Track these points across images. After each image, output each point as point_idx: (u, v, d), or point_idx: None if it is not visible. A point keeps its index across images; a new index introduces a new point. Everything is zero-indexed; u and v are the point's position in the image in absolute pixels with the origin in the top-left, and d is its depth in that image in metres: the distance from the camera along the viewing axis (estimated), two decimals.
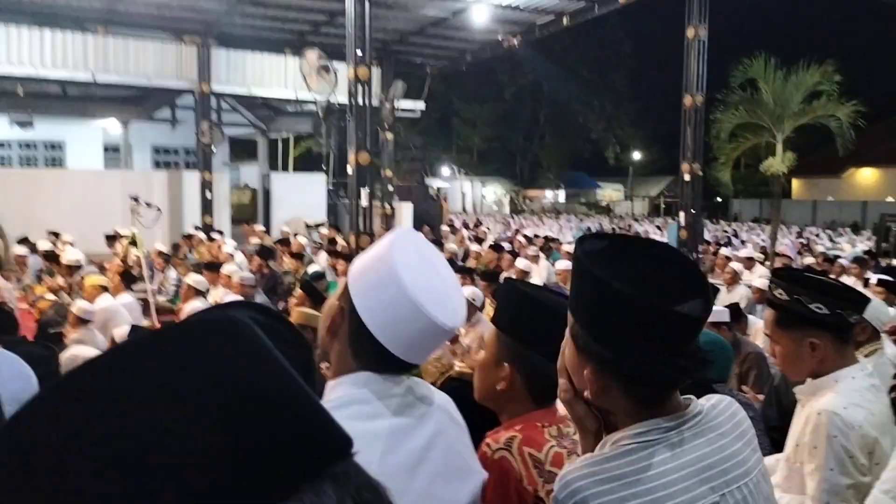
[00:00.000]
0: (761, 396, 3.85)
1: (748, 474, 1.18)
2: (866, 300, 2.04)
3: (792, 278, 2.02)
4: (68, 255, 8.68)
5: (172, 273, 10.50)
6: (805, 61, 12.32)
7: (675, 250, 1.24)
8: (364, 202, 10.05)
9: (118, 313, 6.73)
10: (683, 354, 1.11)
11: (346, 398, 1.26)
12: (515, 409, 1.61)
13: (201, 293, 6.63)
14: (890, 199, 38.95)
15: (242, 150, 25.77)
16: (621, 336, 1.11)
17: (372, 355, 1.27)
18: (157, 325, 8.88)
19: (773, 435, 2.89)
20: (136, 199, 9.88)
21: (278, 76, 17.00)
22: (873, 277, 7.95)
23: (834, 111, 12.42)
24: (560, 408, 1.59)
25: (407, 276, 1.24)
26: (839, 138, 12.87)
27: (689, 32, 11.35)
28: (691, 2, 11.29)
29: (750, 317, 6.22)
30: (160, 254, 10.85)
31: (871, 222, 31.27)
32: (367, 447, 1.22)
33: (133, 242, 9.90)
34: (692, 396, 1.21)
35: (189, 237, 13.35)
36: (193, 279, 6.72)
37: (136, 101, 17.08)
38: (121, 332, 5.46)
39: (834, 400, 1.91)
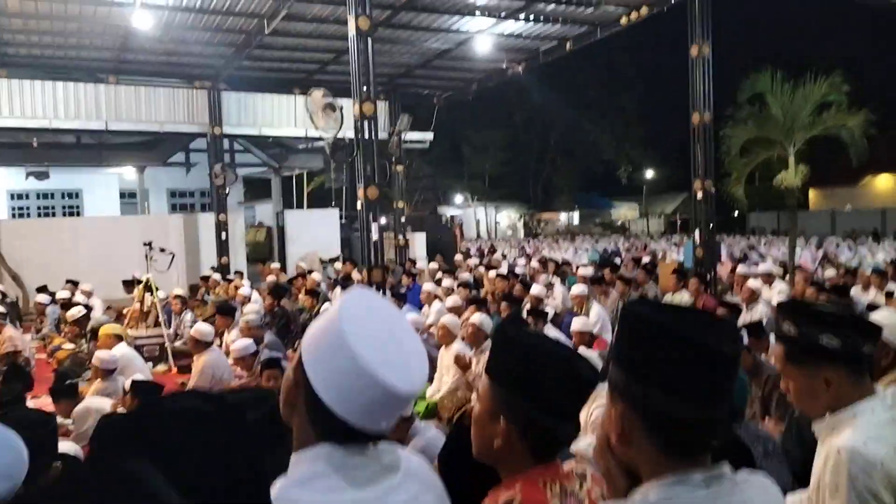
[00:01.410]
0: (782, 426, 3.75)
1: None
2: (878, 329, 1.96)
3: (799, 311, 1.95)
4: (72, 311, 8.70)
5: (189, 316, 10.54)
6: (812, 73, 12.23)
7: (713, 313, 1.31)
8: (375, 235, 10.05)
9: (133, 361, 6.74)
10: (719, 401, 1.12)
11: (308, 473, 1.21)
12: (514, 465, 1.49)
13: (209, 344, 6.60)
14: None
15: (257, 189, 26.02)
16: (654, 369, 1.12)
17: (329, 426, 1.22)
18: (174, 370, 8.90)
19: (795, 469, 2.80)
20: (149, 245, 9.97)
21: (288, 115, 17.22)
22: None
23: (844, 121, 12.28)
24: (564, 464, 1.55)
25: (356, 343, 1.19)
26: (852, 147, 12.72)
27: (693, 50, 11.32)
28: (693, 20, 11.29)
29: (769, 337, 6.09)
30: (177, 297, 10.90)
31: (891, 229, 30.86)
32: None
33: (148, 288, 9.98)
34: (725, 463, 1.17)
35: (206, 279, 13.42)
36: (198, 330, 6.69)
37: (150, 147, 17.34)
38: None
39: (853, 436, 1.83)
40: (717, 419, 1.12)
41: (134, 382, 5.27)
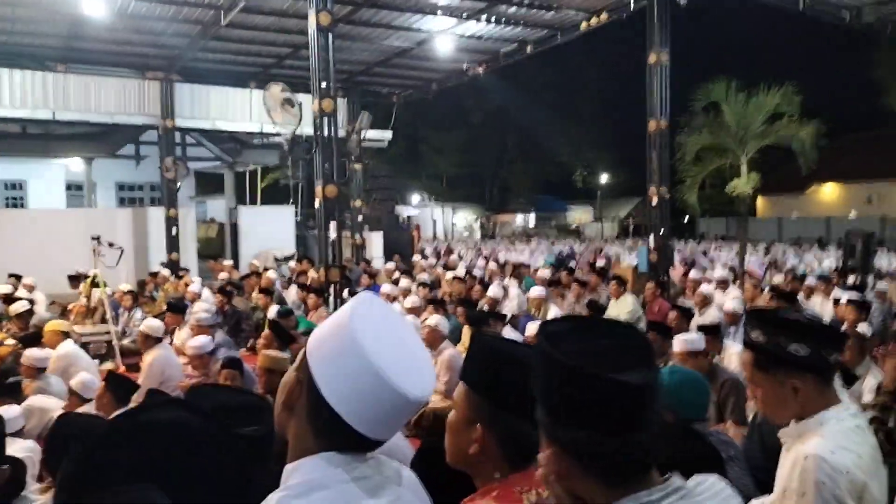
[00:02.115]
0: (742, 429, 3.79)
1: None
2: (844, 338, 1.98)
3: (769, 319, 1.96)
4: (15, 306, 8.39)
5: (139, 313, 10.26)
6: (765, 83, 12.56)
7: (631, 328, 1.24)
8: (333, 234, 9.93)
9: (79, 359, 6.51)
10: (639, 430, 1.10)
11: (307, 484, 1.15)
12: (490, 472, 1.48)
13: (159, 339, 6.41)
14: (853, 214, 39.77)
15: (209, 184, 25.54)
16: (572, 411, 1.11)
17: (333, 432, 1.18)
18: (122, 368, 8.64)
19: (757, 475, 2.82)
20: (97, 239, 9.66)
21: (243, 109, 16.93)
22: (843, 296, 8.02)
23: (795, 131, 12.65)
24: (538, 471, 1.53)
25: (369, 344, 1.16)
26: (801, 157, 13.10)
27: (651, 58, 11.49)
28: (652, 28, 11.46)
29: (724, 341, 6.19)
30: (127, 293, 10.61)
31: (835, 237, 31.83)
32: None
33: (95, 283, 9.68)
34: (673, 473, 1.17)
35: (154, 275, 13.11)
36: (148, 326, 6.50)
37: (99, 138, 16.84)
38: (80, 381, 5.26)
39: (821, 444, 1.85)
40: (647, 442, 1.12)
41: (109, 375, 5.11)
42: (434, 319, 6.44)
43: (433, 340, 6.25)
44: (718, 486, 1.21)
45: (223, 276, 12.97)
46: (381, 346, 1.17)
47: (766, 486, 2.24)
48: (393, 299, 9.62)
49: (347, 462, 1.19)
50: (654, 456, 1.15)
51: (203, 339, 6.10)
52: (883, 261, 18.00)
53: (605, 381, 1.08)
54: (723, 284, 9.91)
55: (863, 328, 6.18)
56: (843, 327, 7.42)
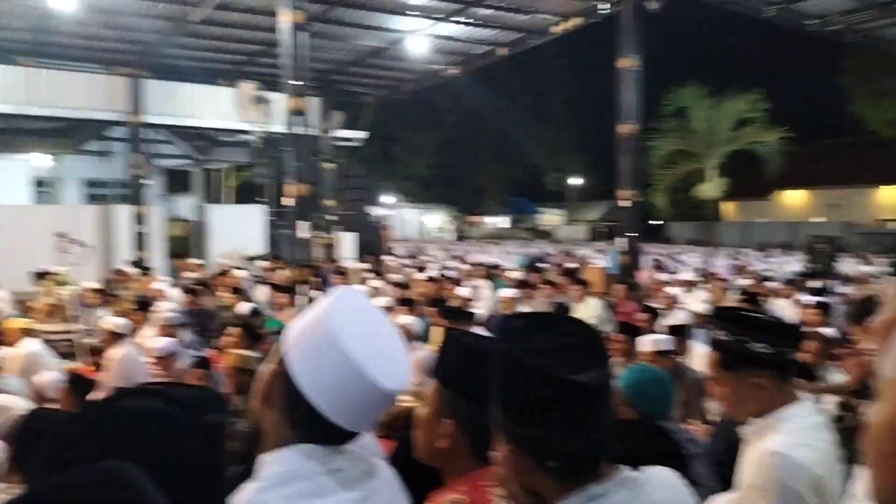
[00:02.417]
0: (707, 427, 3.85)
1: None
2: (802, 336, 2.04)
3: (733, 318, 2.00)
4: None
5: (105, 312, 10.10)
6: (733, 90, 12.76)
7: (586, 327, 1.27)
8: (303, 233, 9.88)
9: (41, 358, 6.39)
10: (593, 428, 1.14)
11: (285, 475, 1.16)
12: (459, 467, 1.51)
13: (123, 336, 6.32)
14: (816, 219, 40.57)
15: (178, 182, 25.22)
16: (528, 409, 1.14)
17: (310, 425, 1.18)
18: (87, 367, 8.50)
19: (722, 472, 2.87)
20: (63, 236, 9.52)
21: (213, 106, 16.74)
22: (808, 300, 8.17)
23: (762, 137, 12.87)
24: None
25: (347, 338, 1.17)
26: (767, 163, 13.34)
27: (622, 63, 11.61)
28: (623, 34, 11.58)
29: (689, 342, 6.26)
30: (93, 291, 10.44)
31: (800, 242, 32.46)
32: None
33: (61, 281, 9.52)
34: (622, 467, 1.22)
35: (120, 273, 12.90)
36: (112, 322, 6.40)
37: (65, 134, 16.56)
38: (43, 380, 5.16)
39: (782, 440, 1.89)
40: (600, 441, 1.16)
41: (71, 376, 5.02)
42: (405, 319, 6.43)
43: (405, 341, 6.25)
44: (670, 478, 1.25)
45: (191, 274, 12.81)
46: (359, 338, 1.19)
47: (730, 483, 2.28)
48: None
49: (324, 454, 1.19)
50: (608, 452, 1.19)
51: (165, 341, 6.02)
52: (846, 265, 18.40)
53: (563, 381, 1.11)
54: (689, 286, 10.04)
55: (825, 331, 6.31)
56: (808, 329, 7.59)
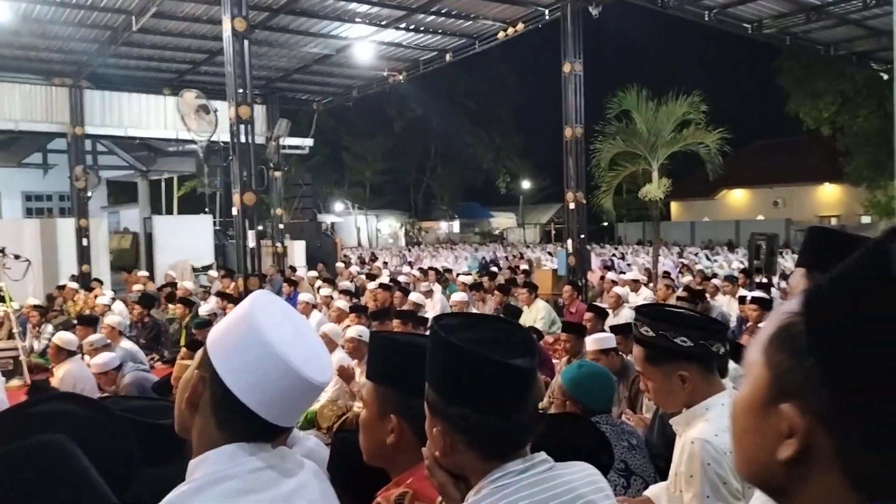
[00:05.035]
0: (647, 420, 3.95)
1: None
2: (725, 328, 2.13)
3: (655, 314, 2.09)
4: None
5: (49, 328, 9.86)
6: (674, 92, 13.06)
7: (513, 323, 1.42)
8: (251, 242, 9.79)
9: None
10: (521, 409, 1.25)
11: (214, 475, 1.17)
12: (407, 460, 1.57)
13: (73, 353, 6.19)
14: (760, 217, 41.72)
15: (122, 193, 24.70)
16: (464, 390, 1.24)
17: (239, 423, 1.20)
18: (30, 384, 8.28)
19: (658, 463, 2.96)
20: (2, 251, 9.24)
21: (157, 116, 16.46)
22: (748, 295, 8.42)
23: (702, 138, 13.17)
24: None
25: (272, 333, 1.20)
26: (709, 163, 13.66)
27: (566, 68, 11.81)
28: (566, 39, 11.78)
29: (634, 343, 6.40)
30: (34, 308, 10.17)
31: (744, 240, 33.33)
32: None
33: (1, 298, 9.25)
34: (542, 453, 1.31)
35: (62, 288, 12.59)
36: (61, 338, 6.27)
37: (4, 147, 16.08)
38: None
39: (705, 428, 1.97)
40: (524, 425, 1.27)
41: (33, 385, 4.90)
42: (355, 330, 6.37)
43: (356, 350, 6.19)
44: (588, 470, 1.34)
45: (138, 287, 12.57)
46: (283, 335, 1.21)
47: (666, 474, 2.37)
48: (313, 307, 9.54)
49: (253, 452, 1.21)
50: (531, 434, 1.29)
51: (106, 357, 5.90)
52: (787, 261, 18.98)
53: (498, 364, 1.22)
54: (635, 286, 10.25)
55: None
56: (748, 324, 7.82)
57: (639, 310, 2.19)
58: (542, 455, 1.30)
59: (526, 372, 1.25)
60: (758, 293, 8.76)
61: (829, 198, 41.04)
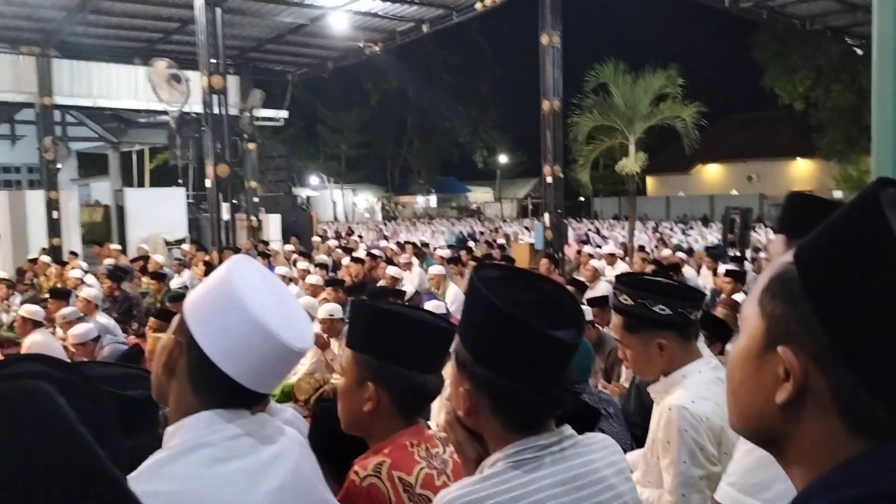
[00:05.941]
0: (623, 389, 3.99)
1: (620, 497, 1.25)
2: (703, 296, 2.14)
3: (634, 283, 2.09)
4: None
5: (18, 301, 9.71)
6: (651, 66, 13.06)
7: (557, 285, 1.32)
8: (226, 216, 9.68)
9: None
10: (555, 383, 1.20)
11: (191, 442, 1.15)
12: (384, 429, 1.57)
13: (39, 324, 6.10)
14: (734, 192, 42.12)
15: (93, 165, 24.25)
16: (500, 356, 1.18)
17: (216, 389, 1.18)
18: (1, 357, 8.16)
19: (635, 432, 2.99)
20: None
21: (128, 86, 16.12)
22: (721, 268, 8.52)
23: (679, 112, 13.23)
24: (427, 427, 1.66)
25: (250, 298, 1.17)
26: (685, 138, 13.72)
27: (544, 39, 11.75)
28: (544, 10, 11.69)
29: (611, 312, 6.45)
30: (2, 280, 10.02)
31: (719, 214, 33.69)
32: (221, 493, 1.12)
33: None
34: (567, 426, 1.27)
35: (34, 261, 12.38)
36: (27, 310, 6.18)
37: None
38: None
39: (683, 395, 1.98)
40: (555, 398, 1.22)
41: (5, 359, 4.80)
42: (328, 308, 6.29)
43: (331, 329, 6.14)
44: (607, 441, 1.32)
45: (110, 261, 12.38)
46: (261, 299, 1.19)
47: (642, 442, 2.38)
48: (290, 281, 9.48)
49: (231, 418, 1.19)
50: (561, 408, 1.24)
51: (85, 327, 5.83)
52: (761, 235, 19.21)
53: (541, 335, 1.15)
54: (612, 259, 10.31)
55: (739, 297, 6.60)
56: (722, 296, 7.91)
57: (618, 279, 2.19)
58: (568, 430, 1.26)
59: (570, 347, 1.19)
60: (731, 266, 8.85)
61: (802, 173, 41.53)
